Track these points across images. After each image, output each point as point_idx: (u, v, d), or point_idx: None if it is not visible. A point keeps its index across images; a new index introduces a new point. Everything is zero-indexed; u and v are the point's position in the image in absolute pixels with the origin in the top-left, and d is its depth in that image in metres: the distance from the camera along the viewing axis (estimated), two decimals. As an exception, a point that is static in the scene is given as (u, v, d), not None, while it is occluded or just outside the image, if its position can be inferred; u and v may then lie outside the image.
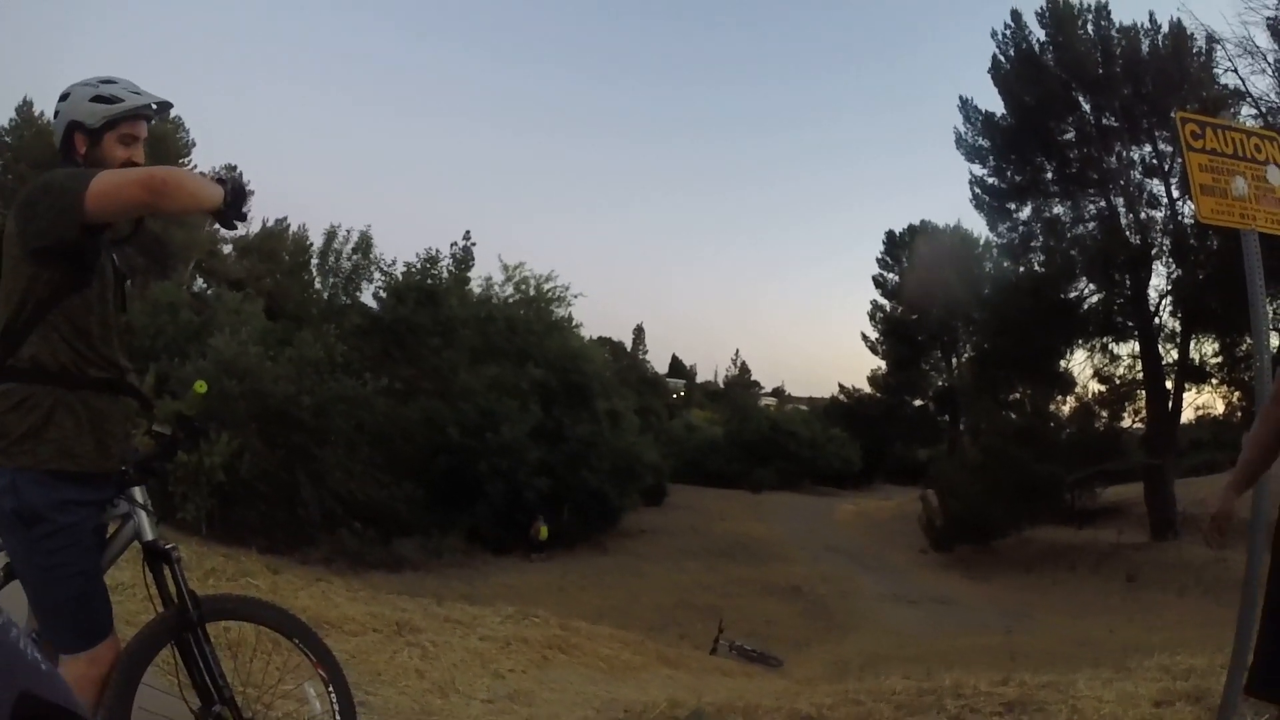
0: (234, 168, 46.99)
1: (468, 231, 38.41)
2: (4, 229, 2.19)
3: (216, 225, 2.35)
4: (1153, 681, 3.86)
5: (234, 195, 2.20)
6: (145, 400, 2.46)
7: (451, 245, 35.30)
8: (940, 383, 50.30)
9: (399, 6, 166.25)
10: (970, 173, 29.43)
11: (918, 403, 52.82)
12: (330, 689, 2.58)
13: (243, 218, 2.29)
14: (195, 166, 44.86)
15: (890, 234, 53.00)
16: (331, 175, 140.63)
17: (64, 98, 2.28)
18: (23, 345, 2.12)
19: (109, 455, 2.23)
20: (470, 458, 27.22)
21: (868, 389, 54.78)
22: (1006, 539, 25.43)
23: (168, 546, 2.34)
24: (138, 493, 2.33)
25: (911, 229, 51.58)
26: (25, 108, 39.07)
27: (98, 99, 2.24)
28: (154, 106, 2.34)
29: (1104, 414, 27.37)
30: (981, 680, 3.84)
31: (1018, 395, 28.70)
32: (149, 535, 2.32)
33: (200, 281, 43.51)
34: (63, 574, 2.15)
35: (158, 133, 42.12)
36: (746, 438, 51.81)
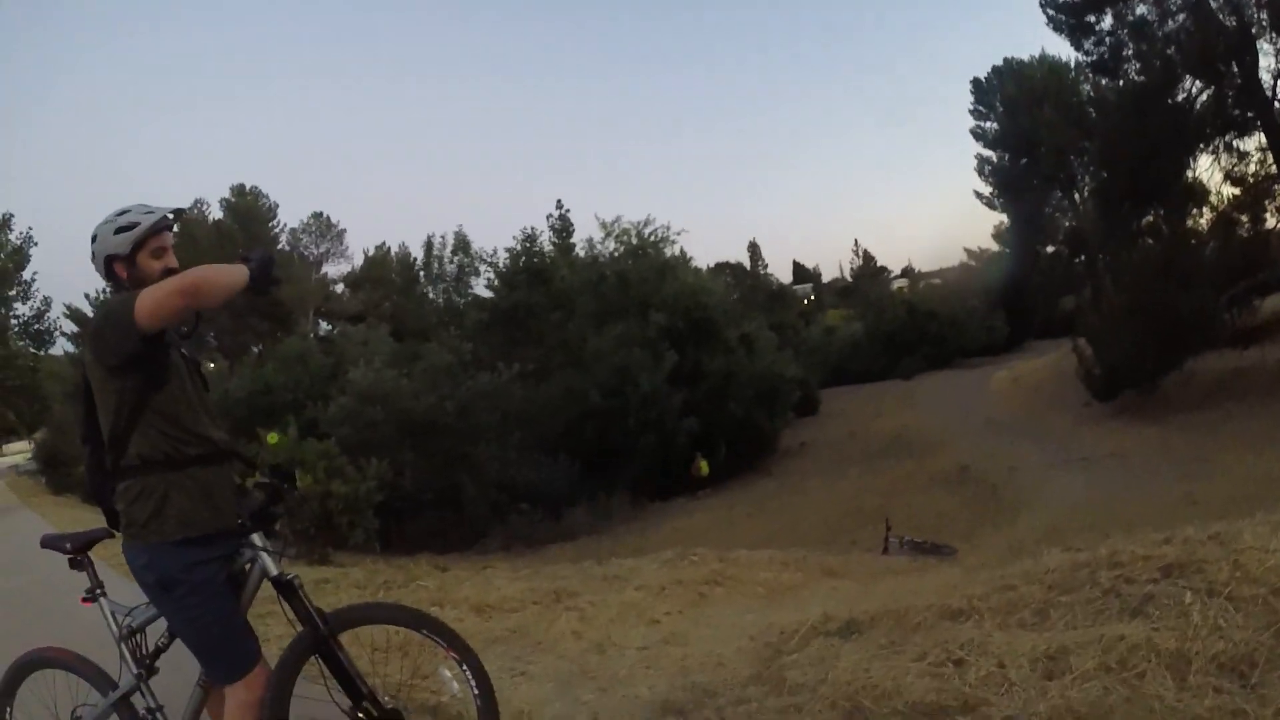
0: (320, 213, 49.04)
1: (559, 200, 38.64)
2: (85, 359, 2.56)
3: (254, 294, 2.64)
4: (1331, 521, 3.63)
5: (259, 267, 2.54)
6: (246, 460, 2.87)
7: (548, 218, 35.79)
8: (1068, 224, 47.14)
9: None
10: (1039, -9, 27.02)
11: (1050, 249, 49.23)
12: (464, 668, 2.85)
13: (271, 283, 2.62)
14: (284, 225, 46.99)
15: (976, 81, 49.10)
16: (409, 192, 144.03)
17: (94, 239, 2.61)
18: (128, 446, 2.48)
19: (223, 515, 2.59)
20: (616, 417, 27.53)
21: (995, 246, 52.20)
22: (1168, 377, 23.73)
23: (290, 577, 2.64)
24: (257, 538, 2.65)
25: (997, 71, 47.95)
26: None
27: (119, 230, 2.57)
28: (169, 217, 2.63)
29: (1244, 219, 24.93)
30: (1140, 544, 3.73)
31: (1150, 220, 26.74)
32: (273, 571, 2.62)
33: (323, 325, 45.66)
34: (206, 622, 2.53)
35: (244, 208, 44.43)
36: (886, 328, 50.62)
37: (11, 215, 28.91)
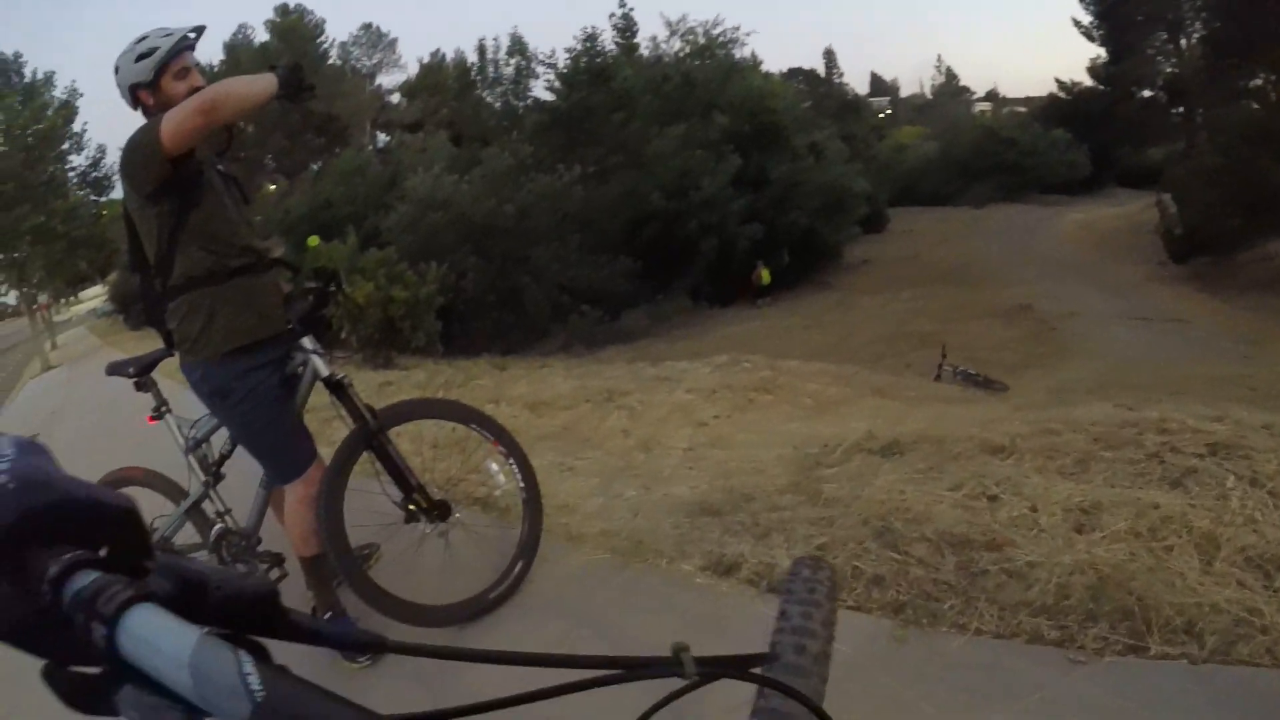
0: (370, 25, 47.54)
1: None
2: (124, 190, 2.60)
3: (286, 104, 2.61)
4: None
5: (287, 74, 2.51)
6: (290, 266, 2.94)
7: (610, 16, 34.31)
8: (1170, 69, 42.72)
9: None
10: None
11: (1146, 94, 44.28)
12: (510, 460, 3.00)
13: (304, 89, 2.58)
14: (332, 40, 45.72)
15: None
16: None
17: (116, 71, 2.58)
18: (174, 267, 2.55)
19: (270, 321, 2.67)
20: (678, 220, 27.23)
21: (1089, 82, 48.14)
22: (1249, 251, 22.42)
23: (340, 377, 2.75)
24: (307, 341, 2.74)
25: None
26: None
27: (140, 57, 2.53)
28: (190, 36, 2.59)
29: None
30: (1190, 415, 3.61)
31: (1260, 82, 24.43)
32: (324, 372, 2.74)
33: (382, 136, 45.30)
34: (259, 426, 2.68)
35: (289, 27, 43.24)
36: (961, 152, 48.24)
37: (53, 73, 29.08)
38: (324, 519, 2.66)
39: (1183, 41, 40.61)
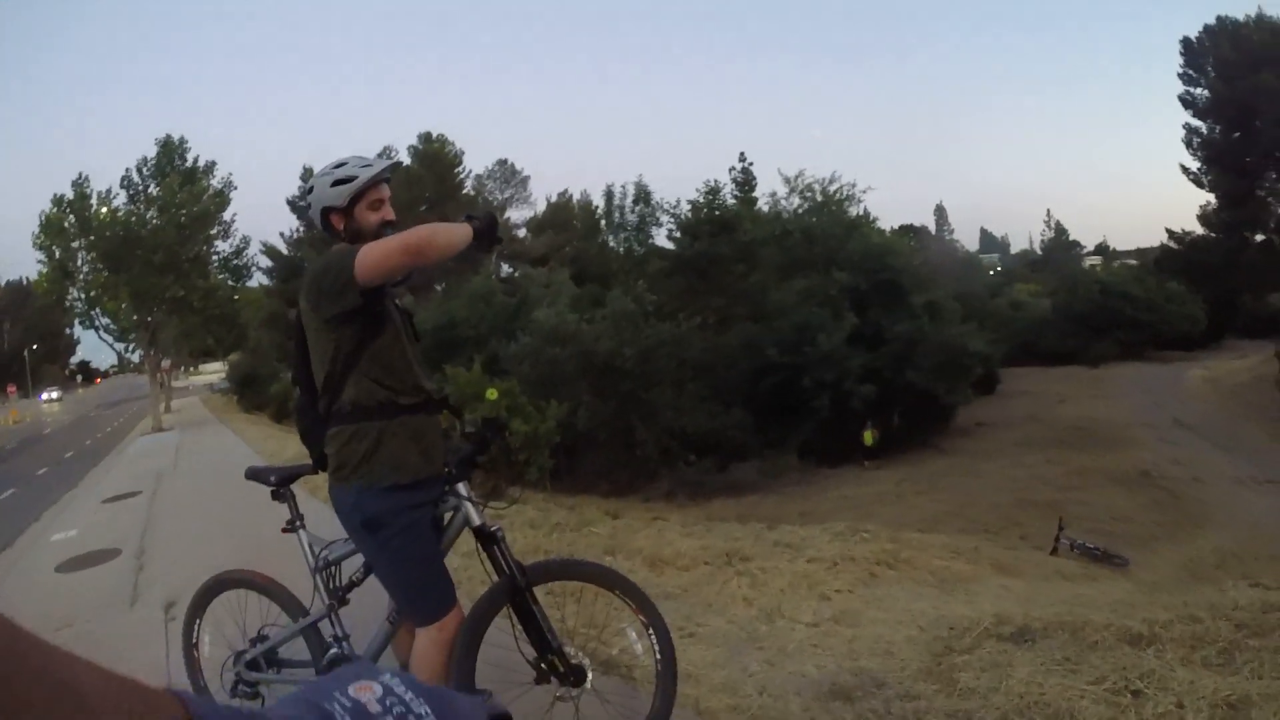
0: (505, 161, 50.86)
1: (743, 153, 38.57)
2: (300, 306, 2.67)
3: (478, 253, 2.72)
4: None
5: (485, 226, 2.61)
6: (455, 410, 2.97)
7: (730, 170, 35.70)
8: None
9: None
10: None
11: (1261, 238, 43.63)
12: (650, 631, 2.94)
13: (495, 242, 2.70)
14: (469, 171, 48.95)
15: (1187, 41, 44.67)
16: (593, 140, 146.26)
17: (309, 191, 2.71)
18: (342, 392, 2.60)
19: (432, 462, 2.70)
20: (793, 374, 27.24)
21: (1200, 229, 47.03)
22: None
23: (493, 529, 2.77)
24: (462, 487, 2.78)
25: (1209, 31, 43.48)
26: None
27: (336, 183, 2.64)
28: (387, 170, 2.71)
29: None
30: None
31: None
32: (476, 521, 2.76)
33: (506, 266, 47.53)
34: (407, 565, 2.66)
35: (432, 155, 46.50)
36: (1077, 308, 47.19)
37: (214, 163, 31.30)
38: (456, 668, 2.63)
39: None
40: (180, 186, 28.97)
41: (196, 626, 3.45)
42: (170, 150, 30.03)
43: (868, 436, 27.34)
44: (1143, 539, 15.63)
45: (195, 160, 30.65)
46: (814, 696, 3.45)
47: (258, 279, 42.11)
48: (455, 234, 2.52)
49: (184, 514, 9.96)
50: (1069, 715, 2.81)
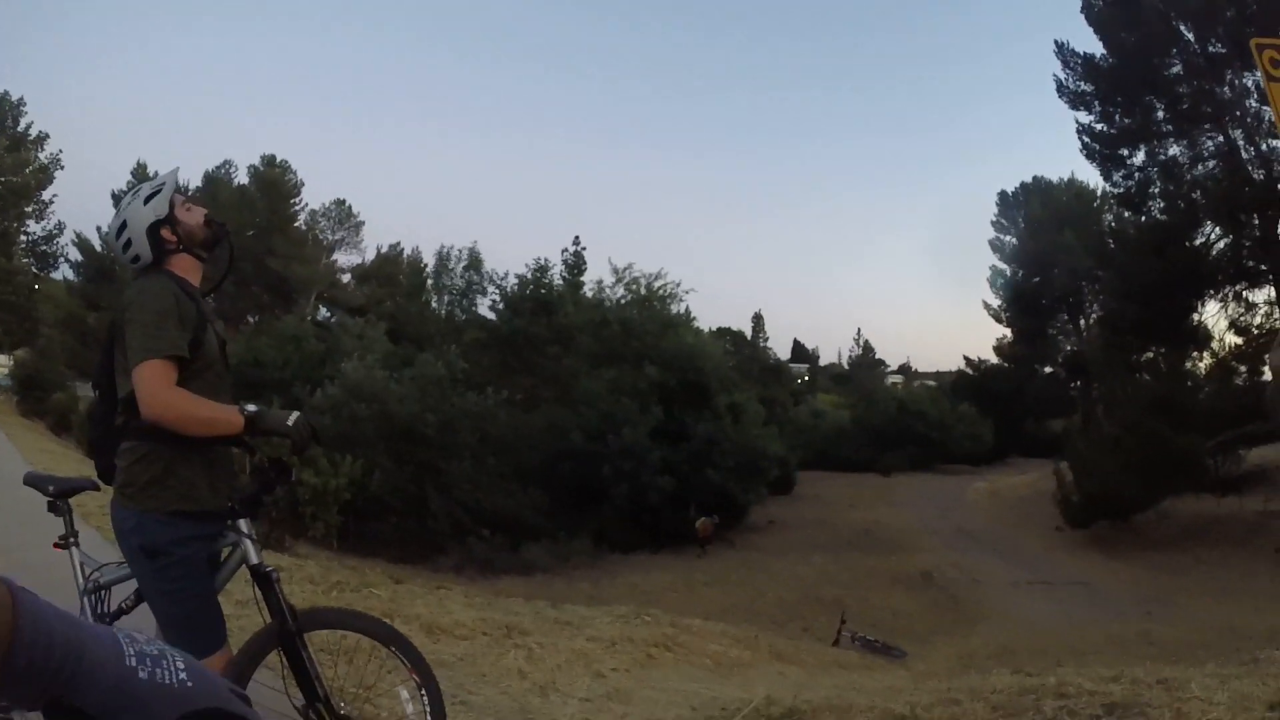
0: (343, 201, 49.65)
1: (577, 237, 39.23)
2: (118, 321, 2.53)
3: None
4: (1277, 678, 3.68)
5: (295, 432, 2.61)
6: (250, 446, 2.85)
7: (562, 252, 36.17)
8: (1070, 348, 47.56)
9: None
10: (1076, 121, 27.54)
11: (1048, 370, 50.23)
12: (423, 692, 2.87)
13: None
14: (305, 205, 47.13)
15: (1003, 194, 50.54)
16: (435, 197, 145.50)
17: (124, 226, 2.61)
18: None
19: (219, 495, 2.60)
20: (594, 461, 27.51)
21: (994, 359, 53.00)
22: (1145, 514, 24.06)
23: (269, 569, 2.65)
24: (244, 524, 2.65)
25: (1024, 187, 49.20)
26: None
27: (149, 199, 2.61)
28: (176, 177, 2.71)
29: (1243, 369, 25.56)
30: (1088, 678, 3.73)
31: (1151, 356, 26.96)
32: (254, 560, 2.62)
33: (323, 310, 45.80)
34: (180, 597, 2.52)
35: (271, 179, 44.73)
36: (874, 421, 50.85)
37: (47, 135, 28.76)
38: None
39: (1082, 322, 45.74)
40: (6, 150, 26.21)
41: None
42: (4, 108, 27.23)
43: (701, 525, 27.62)
44: (922, 635, 16.50)
45: (29, 128, 27.98)
46: (580, 769, 3.44)
47: (63, 271, 38.23)
48: (227, 426, 2.52)
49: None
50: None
